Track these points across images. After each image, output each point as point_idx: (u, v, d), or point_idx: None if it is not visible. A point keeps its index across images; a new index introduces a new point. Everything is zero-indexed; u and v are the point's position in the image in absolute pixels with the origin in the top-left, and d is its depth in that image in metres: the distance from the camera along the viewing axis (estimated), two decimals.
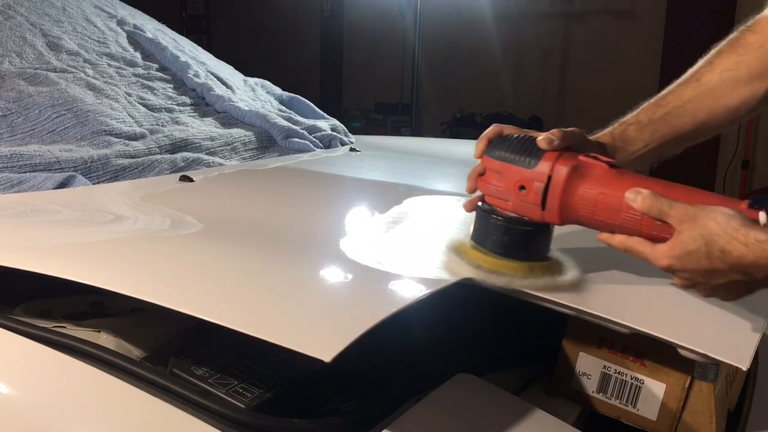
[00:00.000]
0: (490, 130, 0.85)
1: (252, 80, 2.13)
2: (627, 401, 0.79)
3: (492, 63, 5.50)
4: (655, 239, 0.72)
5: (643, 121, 0.90)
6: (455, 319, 0.90)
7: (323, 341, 0.60)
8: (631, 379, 0.79)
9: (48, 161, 1.16)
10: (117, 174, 1.24)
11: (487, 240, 0.81)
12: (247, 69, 2.21)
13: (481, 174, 0.83)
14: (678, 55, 4.48)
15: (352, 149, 1.77)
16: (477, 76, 5.60)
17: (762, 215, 0.67)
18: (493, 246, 0.80)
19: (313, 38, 6.71)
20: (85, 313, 0.82)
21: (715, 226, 0.67)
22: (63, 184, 1.12)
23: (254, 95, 1.97)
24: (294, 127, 1.73)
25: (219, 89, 1.78)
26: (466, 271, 0.79)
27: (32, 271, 0.73)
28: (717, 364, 0.71)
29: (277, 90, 2.15)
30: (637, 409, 0.79)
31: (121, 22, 1.89)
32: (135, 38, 1.84)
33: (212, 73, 1.87)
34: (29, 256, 0.80)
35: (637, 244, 0.73)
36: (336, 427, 0.65)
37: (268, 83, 2.16)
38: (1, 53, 1.44)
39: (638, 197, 0.72)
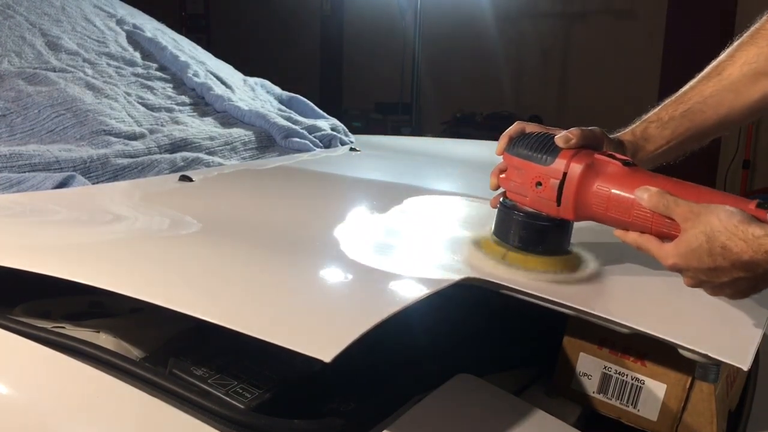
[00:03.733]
0: (513, 127, 0.88)
1: (252, 80, 2.12)
2: (627, 402, 0.79)
3: (492, 63, 5.50)
4: (666, 237, 0.73)
5: (665, 119, 0.90)
6: (455, 319, 0.90)
7: (323, 341, 0.60)
8: (632, 379, 0.79)
9: (47, 161, 1.16)
10: (116, 174, 1.23)
11: (508, 234, 0.85)
12: (246, 69, 2.21)
13: (503, 171, 0.87)
14: (678, 55, 4.48)
15: (352, 149, 1.77)
16: (477, 76, 5.60)
17: None
18: (513, 240, 0.84)
19: (313, 38, 6.71)
20: (85, 313, 0.82)
21: (717, 223, 0.67)
22: (62, 184, 1.12)
23: (254, 95, 1.97)
24: (294, 126, 1.72)
25: (218, 89, 1.78)
26: (487, 265, 0.82)
27: (31, 271, 0.73)
28: (718, 364, 0.71)
29: (277, 90, 2.15)
30: (638, 410, 0.78)
31: (120, 22, 1.89)
32: (134, 38, 1.84)
33: (212, 73, 1.87)
34: (28, 256, 0.80)
35: (647, 241, 0.74)
36: (336, 427, 0.65)
37: (267, 83, 2.16)
38: (0, 53, 1.44)
39: (646, 194, 0.73)
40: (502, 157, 0.88)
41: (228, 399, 0.66)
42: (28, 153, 1.16)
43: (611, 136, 0.90)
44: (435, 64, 5.41)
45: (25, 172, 1.13)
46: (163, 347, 0.76)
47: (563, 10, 5.14)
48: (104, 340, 0.75)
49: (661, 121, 0.91)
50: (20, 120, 1.28)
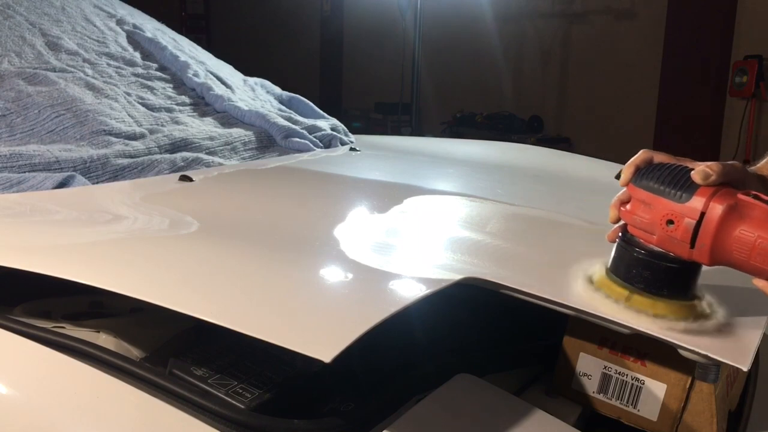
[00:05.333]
0: (639, 156, 0.79)
1: (252, 80, 2.12)
2: (627, 402, 0.79)
3: (492, 63, 5.51)
4: None
5: None
6: (455, 319, 0.90)
7: (323, 341, 0.60)
8: (632, 379, 0.79)
9: (47, 161, 1.16)
10: (116, 174, 1.23)
11: (627, 272, 0.77)
12: (246, 69, 2.21)
13: (625, 202, 0.78)
14: (678, 55, 4.48)
15: (352, 149, 1.77)
16: (477, 76, 5.60)
17: None
18: (632, 279, 0.76)
19: (313, 38, 6.72)
20: (85, 313, 0.82)
21: None
22: (62, 184, 1.12)
23: (254, 95, 1.97)
24: (294, 126, 1.73)
25: (218, 89, 1.78)
26: (609, 308, 0.75)
27: (31, 271, 0.73)
28: (717, 364, 0.71)
29: (277, 90, 2.15)
30: (638, 410, 0.78)
31: (120, 22, 1.89)
32: (134, 38, 1.84)
33: (212, 73, 1.87)
34: (28, 256, 0.80)
35: None
36: (336, 427, 0.65)
37: (267, 83, 2.16)
38: (0, 53, 1.44)
39: None
40: (625, 188, 0.79)
41: (228, 399, 0.66)
42: (29, 153, 1.16)
43: (750, 169, 0.81)
44: (435, 64, 5.42)
45: (25, 172, 1.13)
46: (163, 347, 0.76)
47: (563, 10, 5.14)
48: (104, 340, 0.75)
49: None
50: (20, 120, 1.28)
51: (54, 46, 1.56)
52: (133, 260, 0.81)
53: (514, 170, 1.68)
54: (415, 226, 1.05)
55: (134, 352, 0.75)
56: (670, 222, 0.73)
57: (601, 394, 0.80)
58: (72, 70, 1.49)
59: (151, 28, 1.96)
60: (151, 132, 1.42)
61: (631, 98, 4.78)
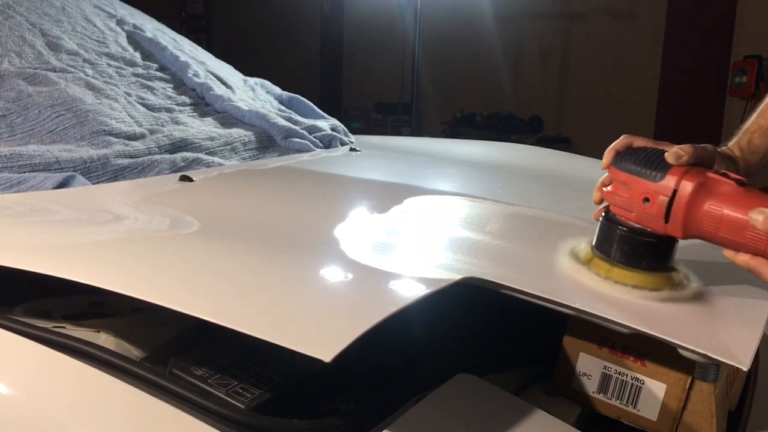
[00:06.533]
0: (620, 141, 0.85)
1: (252, 80, 2.12)
2: (627, 402, 0.79)
3: (492, 63, 5.51)
4: None
5: (765, 126, 0.90)
6: (455, 319, 0.90)
7: (323, 341, 0.60)
8: (632, 379, 0.79)
9: (47, 161, 1.16)
10: (116, 174, 1.23)
11: (610, 249, 0.82)
12: (246, 69, 2.21)
13: (607, 184, 0.85)
14: (678, 55, 4.48)
15: (352, 149, 1.77)
16: (477, 76, 5.60)
17: None
18: (614, 255, 0.82)
19: (313, 38, 6.72)
20: (85, 313, 0.82)
21: None
22: (62, 184, 1.12)
23: (254, 95, 1.97)
24: (294, 127, 1.73)
25: (219, 89, 1.78)
26: (590, 281, 0.81)
27: (31, 271, 0.73)
28: (717, 364, 0.71)
29: (277, 90, 2.15)
30: (638, 410, 0.78)
31: (120, 22, 1.89)
32: (134, 38, 1.84)
33: (212, 73, 1.87)
34: (29, 256, 0.80)
35: (760, 264, 0.73)
36: (336, 427, 0.65)
37: (267, 83, 2.16)
38: (1, 53, 1.44)
39: (761, 217, 0.72)
40: (607, 171, 0.86)
41: (228, 399, 0.66)
42: (29, 153, 1.16)
43: (720, 150, 0.87)
44: (435, 64, 5.42)
45: (25, 172, 1.13)
46: (163, 347, 0.76)
47: (563, 10, 5.14)
48: (104, 340, 0.75)
49: (762, 129, 0.89)
50: (20, 120, 1.28)
51: (54, 46, 1.56)
52: (134, 260, 0.81)
53: (514, 170, 1.68)
54: (415, 226, 1.05)
55: (134, 352, 0.75)
56: (647, 200, 0.79)
57: (601, 394, 0.80)
58: (72, 70, 1.49)
59: (152, 28, 1.96)
60: (152, 132, 1.42)
61: (631, 98, 4.78)
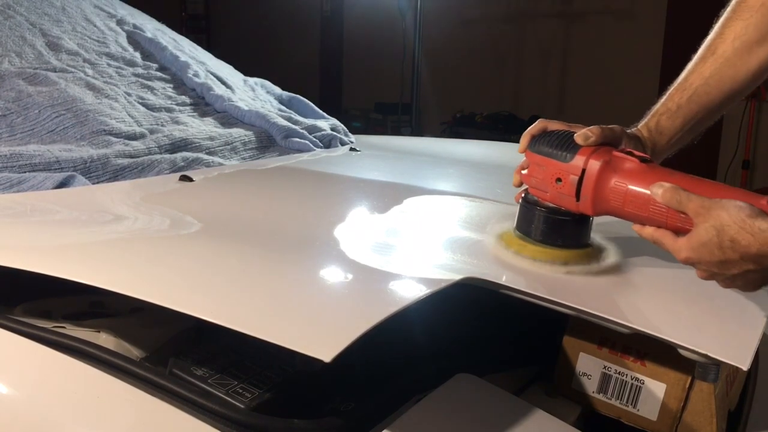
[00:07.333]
0: (535, 125, 0.90)
1: (252, 80, 2.12)
2: (627, 401, 0.79)
3: (492, 63, 5.50)
4: (680, 232, 0.76)
5: (673, 109, 0.93)
6: (455, 319, 0.90)
7: (323, 341, 0.60)
8: (632, 379, 0.79)
9: (47, 161, 1.16)
10: (117, 174, 1.23)
11: (529, 228, 0.87)
12: (247, 69, 2.21)
13: (525, 168, 0.90)
14: (678, 55, 4.47)
15: (352, 149, 1.77)
16: (477, 76, 5.60)
17: None
18: (534, 234, 0.87)
19: (313, 38, 6.71)
20: (85, 313, 0.82)
21: (726, 217, 0.70)
22: (63, 184, 1.12)
23: (254, 95, 1.97)
24: (294, 126, 1.72)
25: (219, 89, 1.78)
26: (508, 257, 0.86)
27: (31, 271, 0.73)
28: (717, 364, 0.71)
29: (277, 90, 2.15)
30: (638, 410, 0.78)
31: (120, 22, 1.89)
32: (134, 38, 1.84)
33: (212, 73, 1.87)
34: (29, 256, 0.80)
35: (662, 236, 0.77)
36: (336, 427, 0.65)
37: (267, 83, 2.16)
38: (1, 53, 1.44)
39: (660, 190, 0.76)
40: (524, 155, 0.90)
41: (228, 399, 0.66)
42: (29, 153, 1.16)
43: (629, 131, 0.92)
44: (435, 64, 5.41)
45: (25, 172, 1.13)
46: (163, 347, 0.76)
47: (563, 10, 5.14)
48: (104, 340, 0.75)
49: (670, 112, 0.93)
50: (21, 120, 1.28)
51: (54, 46, 1.56)
52: (134, 260, 0.81)
53: (513, 170, 1.68)
54: (415, 226, 1.05)
55: (134, 352, 0.75)
56: (559, 180, 0.84)
57: (601, 394, 0.80)
58: (72, 70, 1.49)
59: (152, 28, 1.96)
60: (152, 132, 1.42)
61: (631, 98, 4.78)
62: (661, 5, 4.57)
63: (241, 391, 0.67)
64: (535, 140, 0.88)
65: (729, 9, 0.94)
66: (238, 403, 0.65)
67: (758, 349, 0.70)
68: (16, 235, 0.89)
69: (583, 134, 0.84)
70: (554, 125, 0.89)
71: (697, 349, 0.68)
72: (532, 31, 5.36)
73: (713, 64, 0.92)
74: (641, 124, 0.95)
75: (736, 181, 4.24)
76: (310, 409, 0.68)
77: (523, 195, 0.90)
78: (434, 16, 5.16)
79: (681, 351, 0.70)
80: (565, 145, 0.84)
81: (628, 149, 0.84)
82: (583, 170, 0.82)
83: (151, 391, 0.65)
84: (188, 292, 0.72)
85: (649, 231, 0.78)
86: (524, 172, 0.90)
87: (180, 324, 0.77)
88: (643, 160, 0.81)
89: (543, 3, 5.22)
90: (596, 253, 0.88)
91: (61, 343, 0.71)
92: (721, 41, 0.93)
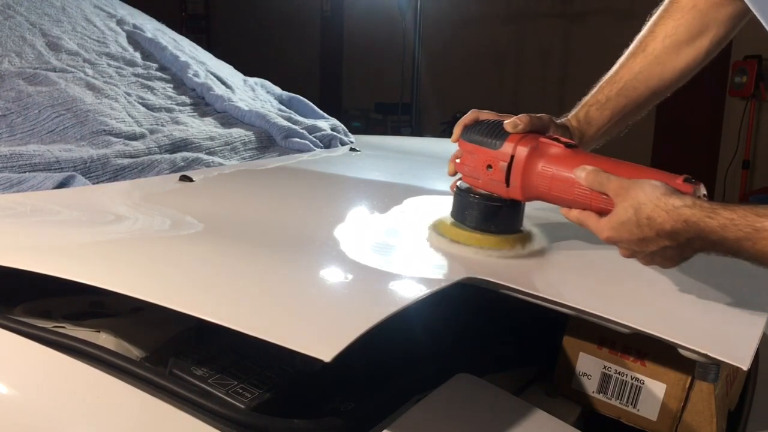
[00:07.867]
0: (467, 115, 0.93)
1: (252, 80, 2.12)
2: (627, 401, 0.79)
3: (492, 63, 5.50)
4: (604, 213, 0.78)
5: (602, 101, 0.96)
6: (455, 319, 0.90)
7: (323, 341, 0.60)
8: (632, 379, 0.79)
9: (47, 161, 1.16)
10: (116, 174, 1.23)
11: (463, 216, 0.91)
12: (247, 69, 2.21)
13: (458, 157, 0.92)
14: None
15: (352, 149, 1.77)
16: (477, 76, 5.60)
17: (696, 189, 0.74)
18: (467, 221, 0.90)
19: (313, 38, 6.71)
20: (85, 313, 0.82)
21: (643, 196, 0.72)
22: (62, 184, 1.12)
23: (254, 95, 1.97)
24: (294, 126, 1.72)
25: (219, 89, 1.77)
26: (443, 245, 0.89)
27: (31, 271, 0.73)
28: (717, 364, 0.71)
29: (277, 90, 2.14)
30: (638, 410, 0.78)
31: (120, 22, 1.89)
32: (134, 38, 1.84)
33: (212, 73, 1.87)
34: (29, 256, 0.80)
35: (586, 218, 0.80)
36: (336, 427, 0.65)
37: (267, 83, 2.16)
38: (1, 53, 1.44)
39: (583, 173, 0.79)
40: (458, 144, 0.93)
41: (228, 399, 0.66)
42: (29, 153, 1.16)
43: (558, 121, 0.94)
44: (435, 64, 5.41)
45: (25, 172, 1.13)
46: (163, 347, 0.76)
47: (563, 10, 5.14)
48: (104, 340, 0.75)
49: (599, 104, 0.96)
50: (20, 120, 1.28)
51: (54, 46, 1.56)
52: (134, 260, 0.81)
53: None
54: (415, 226, 1.05)
55: (134, 352, 0.75)
56: (489, 167, 0.87)
57: (601, 394, 0.80)
58: (72, 70, 1.49)
59: (152, 28, 1.95)
60: (152, 132, 1.42)
61: None
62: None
63: (241, 391, 0.67)
64: (467, 129, 0.91)
65: (662, 8, 0.97)
66: (238, 403, 0.65)
67: (758, 349, 0.70)
68: (16, 235, 0.89)
69: (512, 122, 0.87)
70: (486, 115, 0.92)
71: (697, 349, 0.68)
72: (532, 31, 5.36)
73: (643, 60, 0.95)
74: (571, 115, 0.98)
75: (736, 181, 4.24)
76: (310, 409, 0.68)
77: (458, 183, 0.93)
78: (434, 16, 5.16)
79: (681, 351, 0.70)
80: (494, 133, 0.87)
81: (555, 135, 0.87)
82: (512, 156, 0.84)
83: (151, 392, 0.65)
84: (188, 292, 0.72)
85: (574, 213, 0.81)
86: (458, 161, 0.92)
87: (180, 324, 0.77)
88: (568, 145, 0.83)
89: (543, 3, 5.22)
90: (528, 238, 0.91)
91: (61, 343, 0.71)
92: (652, 39, 0.96)
